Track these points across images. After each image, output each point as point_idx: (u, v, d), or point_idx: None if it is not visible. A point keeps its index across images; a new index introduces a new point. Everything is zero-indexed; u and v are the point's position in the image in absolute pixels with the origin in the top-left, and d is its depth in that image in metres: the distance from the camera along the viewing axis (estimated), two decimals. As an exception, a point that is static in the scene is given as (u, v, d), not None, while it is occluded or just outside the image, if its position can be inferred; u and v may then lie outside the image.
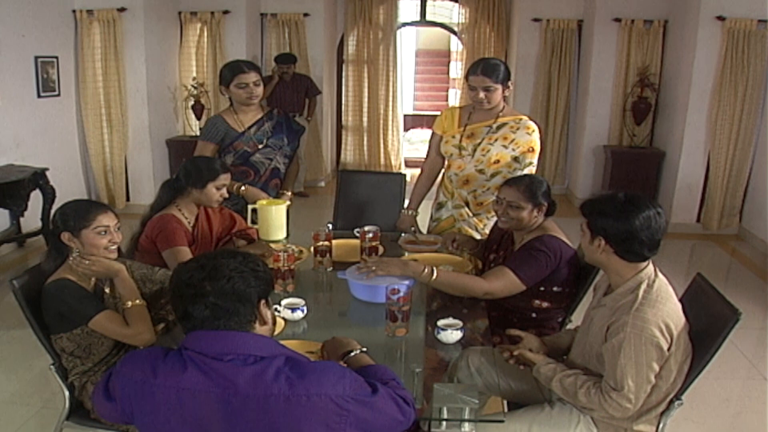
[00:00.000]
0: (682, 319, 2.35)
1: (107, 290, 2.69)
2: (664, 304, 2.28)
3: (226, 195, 3.46)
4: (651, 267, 2.39)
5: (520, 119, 3.71)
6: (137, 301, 2.61)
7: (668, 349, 2.26)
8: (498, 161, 3.67)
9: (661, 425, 2.42)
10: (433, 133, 3.95)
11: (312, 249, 3.41)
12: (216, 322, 1.71)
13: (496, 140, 3.66)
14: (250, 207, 3.80)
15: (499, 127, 3.68)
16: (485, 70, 3.55)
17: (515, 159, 3.67)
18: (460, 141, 3.73)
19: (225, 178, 3.40)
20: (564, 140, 8.73)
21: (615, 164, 7.75)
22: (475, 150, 3.69)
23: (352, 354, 2.14)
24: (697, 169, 7.26)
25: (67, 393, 2.66)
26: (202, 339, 1.71)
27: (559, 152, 8.74)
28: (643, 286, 2.32)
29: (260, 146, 3.99)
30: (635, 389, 2.24)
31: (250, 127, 3.98)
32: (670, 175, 7.53)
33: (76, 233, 2.58)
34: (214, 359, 1.67)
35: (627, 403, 2.26)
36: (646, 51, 7.87)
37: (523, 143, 3.66)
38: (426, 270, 2.87)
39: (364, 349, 2.21)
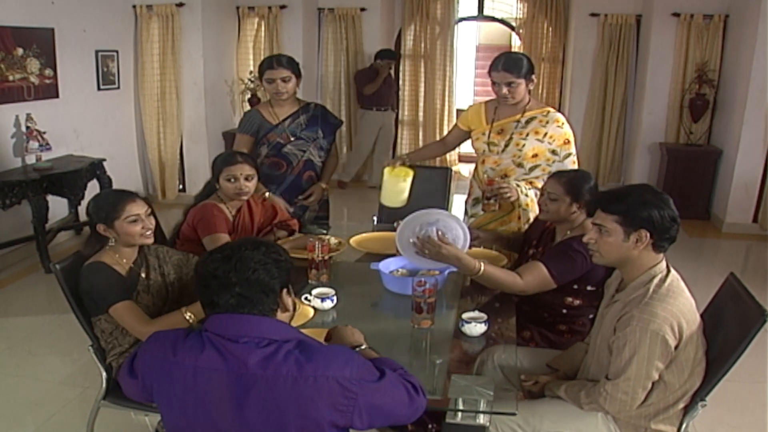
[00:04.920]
0: (695, 315, 2.33)
1: (143, 275, 2.77)
2: (675, 299, 2.26)
3: (246, 186, 3.40)
4: (664, 262, 2.37)
5: (548, 112, 3.71)
6: (190, 316, 2.64)
7: (676, 347, 2.24)
8: (536, 155, 3.67)
9: (683, 426, 2.40)
10: (455, 126, 4.05)
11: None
12: (241, 310, 1.79)
13: (527, 135, 3.67)
14: (386, 170, 3.84)
15: (527, 122, 3.69)
16: (506, 65, 3.57)
17: (553, 152, 3.67)
18: (489, 137, 3.75)
19: (233, 170, 3.37)
20: (620, 137, 8.57)
21: (671, 162, 7.59)
22: (507, 145, 3.71)
23: (359, 349, 2.17)
24: (754, 167, 7.06)
25: (104, 374, 2.76)
26: (222, 321, 1.79)
27: (615, 149, 8.60)
28: (656, 281, 2.31)
29: (293, 138, 4.05)
30: (633, 382, 2.24)
31: (284, 120, 4.05)
32: (726, 173, 7.35)
33: (110, 224, 2.67)
34: (230, 341, 1.74)
35: (622, 395, 2.26)
36: (705, 46, 7.68)
37: (557, 136, 3.66)
38: (476, 265, 2.86)
39: (370, 346, 2.24)
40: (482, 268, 2.85)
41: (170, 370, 1.77)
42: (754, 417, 3.72)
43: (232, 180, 3.37)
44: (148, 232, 2.73)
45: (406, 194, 3.80)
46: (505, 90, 3.59)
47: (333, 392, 1.69)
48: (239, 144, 4.07)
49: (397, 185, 3.74)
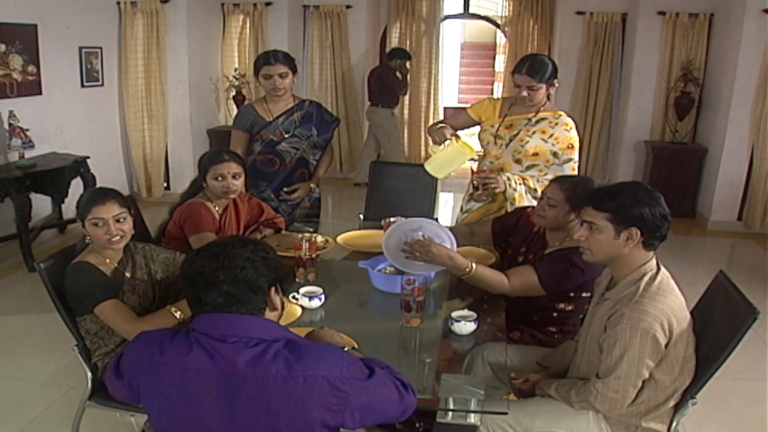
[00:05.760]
0: (685, 312, 2.32)
1: (128, 274, 2.73)
2: (666, 297, 2.25)
3: (233, 185, 3.36)
4: (654, 260, 2.37)
5: (559, 115, 3.70)
6: (180, 315, 2.61)
7: (666, 345, 2.23)
8: (536, 154, 3.65)
9: (674, 424, 2.39)
10: (464, 110, 3.94)
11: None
12: (229, 309, 1.76)
13: (534, 133, 3.66)
14: (453, 139, 3.67)
15: (538, 121, 3.68)
16: (530, 70, 3.54)
17: (554, 154, 3.65)
18: (497, 130, 3.73)
19: (221, 168, 3.34)
20: (605, 135, 8.60)
21: (656, 160, 7.62)
22: (511, 140, 3.69)
23: (345, 350, 2.14)
24: (739, 165, 7.11)
25: (89, 374, 2.72)
26: (209, 321, 1.76)
27: (600, 147, 8.62)
28: (646, 278, 2.30)
29: (287, 135, 4.02)
30: (623, 381, 2.24)
31: (278, 117, 4.03)
32: (711, 171, 7.39)
33: (83, 223, 2.65)
34: (218, 340, 1.71)
35: (613, 393, 2.26)
36: (690, 45, 7.72)
37: (563, 139, 3.65)
38: (468, 267, 2.85)
39: (355, 346, 2.22)
40: (473, 267, 2.84)
41: (157, 370, 1.74)
42: (741, 414, 3.73)
43: (220, 178, 3.34)
44: (114, 239, 2.64)
45: (455, 168, 3.73)
46: (525, 93, 3.58)
47: (323, 392, 1.67)
48: (234, 141, 4.05)
49: (457, 158, 3.62)
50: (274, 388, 1.66)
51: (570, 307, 3.02)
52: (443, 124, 3.70)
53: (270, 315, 1.85)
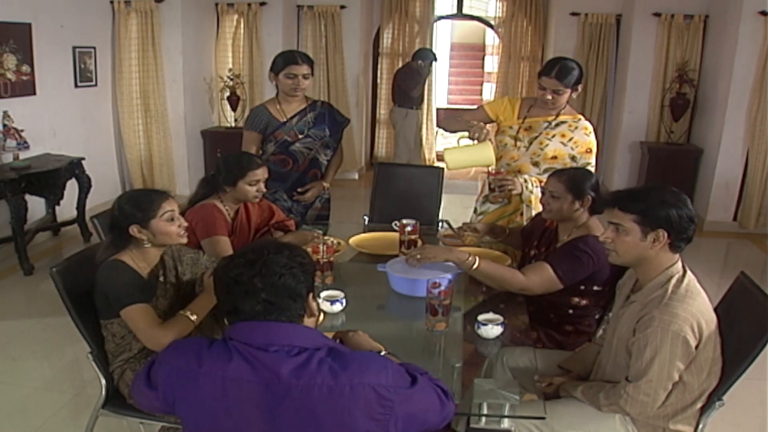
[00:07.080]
0: (712, 314, 2.32)
1: (161, 278, 2.65)
2: (694, 299, 2.25)
3: (263, 190, 3.39)
4: (680, 263, 2.37)
5: (578, 119, 3.70)
6: (194, 318, 2.55)
7: (696, 347, 2.23)
8: (555, 157, 3.65)
9: (700, 425, 2.39)
10: (481, 107, 3.92)
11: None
12: (268, 317, 1.72)
13: (554, 136, 3.65)
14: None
15: (557, 124, 3.67)
16: (559, 74, 3.52)
17: (572, 158, 3.65)
18: (518, 132, 3.71)
19: (258, 174, 3.33)
20: (600, 136, 8.58)
21: (651, 161, 7.64)
22: (531, 143, 3.68)
23: (381, 354, 2.08)
24: (735, 166, 7.15)
25: (104, 381, 2.63)
26: (248, 330, 1.71)
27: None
28: (673, 281, 2.30)
29: (301, 136, 4.01)
30: (655, 384, 2.23)
31: (292, 117, 4.01)
32: (707, 172, 7.42)
33: (145, 224, 2.53)
34: (259, 350, 1.67)
35: (644, 396, 2.25)
36: (685, 46, 7.74)
37: (582, 143, 3.65)
38: (470, 258, 2.86)
39: (389, 351, 2.18)
40: (476, 261, 2.84)
41: (196, 381, 1.69)
42: (753, 414, 3.74)
43: (253, 183, 3.32)
44: (182, 231, 2.63)
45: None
46: (550, 96, 3.58)
47: (369, 400, 1.63)
48: (248, 142, 4.03)
49: (482, 161, 3.49)
50: (320, 398, 1.62)
51: (584, 302, 3.01)
52: (475, 123, 3.58)
53: (308, 321, 1.81)
